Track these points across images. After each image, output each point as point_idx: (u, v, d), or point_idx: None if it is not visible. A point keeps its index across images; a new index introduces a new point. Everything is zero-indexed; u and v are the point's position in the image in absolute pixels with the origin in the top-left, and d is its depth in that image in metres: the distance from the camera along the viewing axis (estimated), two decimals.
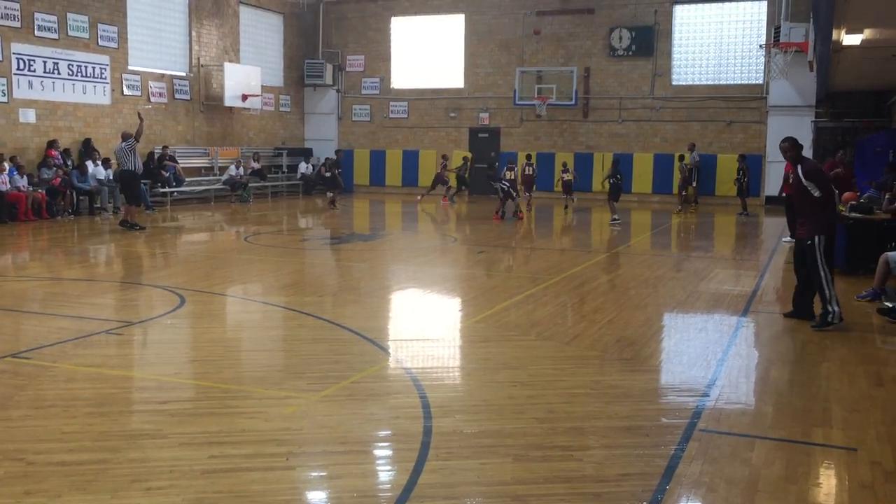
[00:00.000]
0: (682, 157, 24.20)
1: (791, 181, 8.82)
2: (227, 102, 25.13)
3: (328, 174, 23.43)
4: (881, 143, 19.79)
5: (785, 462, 4.84)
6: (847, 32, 12.77)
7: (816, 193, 8.41)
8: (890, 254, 9.35)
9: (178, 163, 22.92)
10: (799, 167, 8.54)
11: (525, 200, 23.38)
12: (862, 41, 13.28)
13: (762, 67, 25.37)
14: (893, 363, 7.26)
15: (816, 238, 8.42)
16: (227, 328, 8.73)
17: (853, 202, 12.87)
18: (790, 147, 8.71)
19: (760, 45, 25.03)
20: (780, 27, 23.61)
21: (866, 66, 16.99)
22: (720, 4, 26.10)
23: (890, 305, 9.00)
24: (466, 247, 16.11)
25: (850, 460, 4.90)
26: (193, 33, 24.76)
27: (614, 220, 19.74)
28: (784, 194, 16.14)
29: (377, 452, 5.09)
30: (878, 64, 16.43)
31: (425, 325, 8.78)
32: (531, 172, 23.57)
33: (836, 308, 8.35)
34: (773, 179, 24.07)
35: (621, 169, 20.57)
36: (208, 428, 5.22)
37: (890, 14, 11.34)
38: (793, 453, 5.01)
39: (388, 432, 5.35)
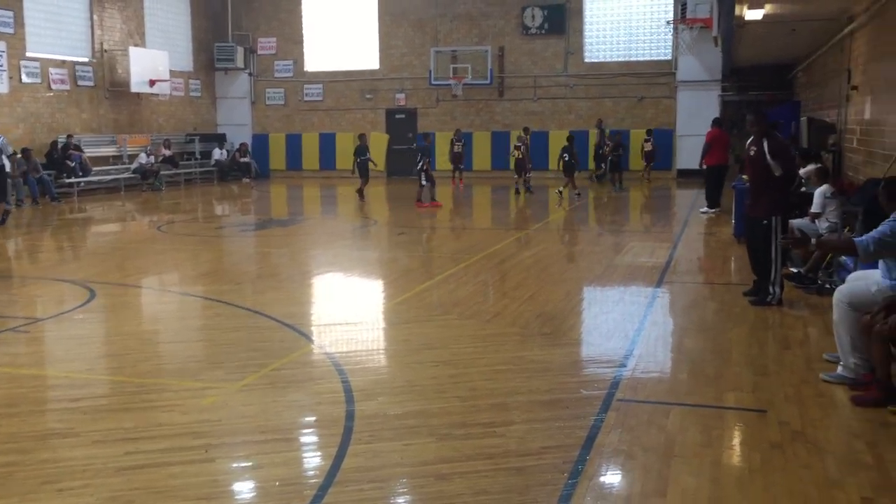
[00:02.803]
0: (601, 130, 24.85)
1: (752, 155, 8.37)
2: (134, 88, 24.27)
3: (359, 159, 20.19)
4: (784, 114, 20.49)
5: (700, 427, 4.99)
6: (749, 8, 13.12)
7: (778, 172, 8.13)
8: (794, 221, 9.70)
9: (83, 152, 22.09)
10: (765, 142, 8.16)
11: (457, 179, 23.56)
12: (763, 16, 13.67)
13: (671, 44, 25.95)
14: (799, 327, 7.55)
15: (773, 219, 8.20)
16: (141, 320, 8.49)
17: None
18: (757, 121, 8.34)
19: (668, 22, 25.63)
20: (686, 4, 24.24)
21: (768, 40, 17.53)
22: None
23: (795, 270, 9.35)
24: (387, 228, 16.06)
25: (760, 422, 5.09)
26: (95, 17, 23.82)
27: (576, 194, 20.34)
28: (705, 166, 16.58)
29: (299, 440, 5.03)
30: (780, 38, 16.97)
31: (346, 309, 8.71)
32: (459, 150, 23.64)
33: (777, 290, 8.24)
34: (685, 153, 24.73)
35: (574, 147, 20.95)
36: (123, 424, 5.07)
37: None
38: (707, 418, 5.17)
39: (310, 419, 5.30)
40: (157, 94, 25.70)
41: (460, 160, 23.80)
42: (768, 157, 8.11)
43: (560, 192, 20.55)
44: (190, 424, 5.05)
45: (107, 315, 8.45)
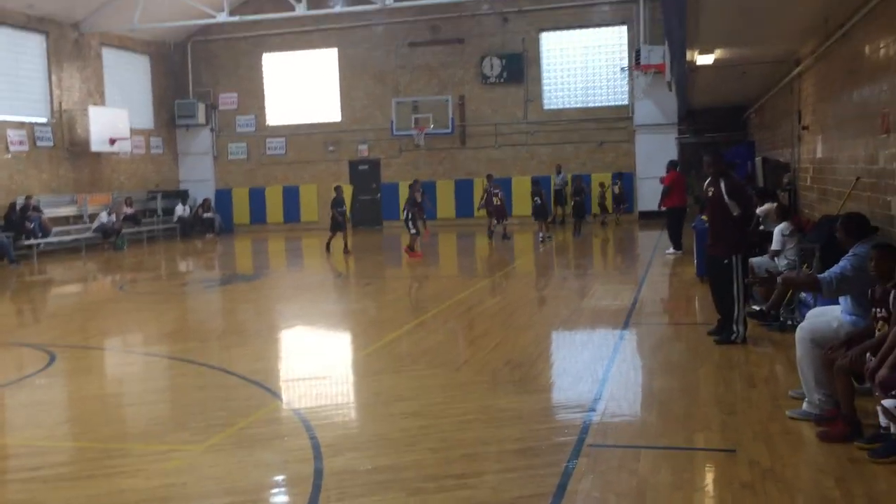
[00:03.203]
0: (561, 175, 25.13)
1: (711, 195, 8.47)
2: (94, 147, 24.14)
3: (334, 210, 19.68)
4: (740, 155, 20.94)
5: (670, 469, 4.99)
6: (700, 53, 13.49)
7: (736, 212, 8.22)
8: (754, 259, 9.85)
9: (42, 213, 21.80)
10: (722, 183, 8.26)
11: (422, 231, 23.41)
12: (714, 60, 14.05)
13: (627, 89, 26.49)
14: (764, 364, 7.62)
15: (733, 258, 8.25)
16: (103, 383, 8.32)
17: None
18: (713, 161, 8.41)
19: (622, 68, 26.22)
20: (640, 50, 24.84)
21: (721, 83, 17.99)
22: (583, 30, 27.10)
23: (757, 308, 9.46)
24: (353, 280, 16.01)
25: (730, 461, 5.10)
26: (54, 77, 23.77)
27: (546, 237, 20.77)
28: (664, 208, 16.86)
29: (267, 500, 4.94)
30: (732, 81, 17.43)
31: (314, 363, 8.62)
32: (421, 200, 23.60)
33: (741, 329, 8.27)
34: (645, 195, 25.09)
35: (542, 189, 21.42)
36: (85, 491, 4.94)
37: (736, 35, 12.06)
38: (677, 460, 5.17)
39: (278, 478, 5.21)
40: (118, 153, 25.57)
41: (423, 211, 23.71)
42: (726, 197, 8.23)
43: (544, 237, 20.80)
44: (154, 490, 4.94)
45: (68, 379, 8.28)
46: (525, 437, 5.70)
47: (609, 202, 25.31)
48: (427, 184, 27.30)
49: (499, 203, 21.54)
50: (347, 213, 20.37)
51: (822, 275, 6.07)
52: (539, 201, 20.86)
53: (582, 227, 22.59)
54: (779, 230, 9.73)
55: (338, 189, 20.34)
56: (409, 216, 18.24)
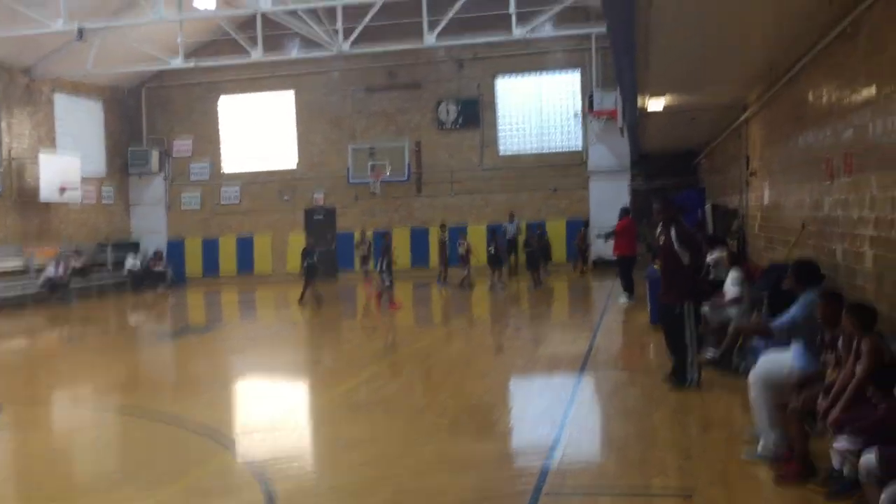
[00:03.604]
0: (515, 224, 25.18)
1: (662, 243, 8.58)
2: (44, 196, 23.52)
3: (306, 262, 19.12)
4: (690, 200, 21.31)
5: None
6: (650, 98, 13.77)
7: (686, 260, 8.26)
8: (706, 308, 9.97)
9: None
10: (672, 230, 8.34)
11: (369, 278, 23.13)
12: (664, 106, 14.35)
13: (581, 134, 26.88)
14: (719, 408, 7.66)
15: (685, 305, 8.27)
16: (49, 438, 8.03)
17: None
18: (663, 208, 8.53)
19: (576, 114, 26.65)
20: (593, 95, 25.29)
21: (671, 128, 18.37)
22: (538, 75, 27.55)
23: (711, 354, 9.53)
24: (307, 330, 15.83)
25: None
26: (3, 123, 23.32)
27: (499, 285, 20.87)
28: (617, 255, 16.98)
29: None
30: (681, 127, 17.80)
31: (267, 414, 8.45)
32: (366, 252, 23.39)
33: (694, 374, 8.27)
34: (600, 242, 25.19)
35: (497, 238, 21.72)
36: None
37: (685, 81, 12.35)
38: None
39: None
40: (68, 203, 24.99)
41: (367, 261, 23.23)
42: (676, 244, 8.32)
43: (494, 284, 20.83)
44: None
45: (13, 435, 8.00)
46: (483, 486, 5.63)
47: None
48: (382, 233, 27.30)
49: (464, 252, 21.55)
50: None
51: (773, 322, 6.18)
52: (493, 250, 20.96)
53: (540, 277, 21.61)
54: (731, 278, 9.83)
55: (309, 241, 20.29)
56: (384, 267, 17.55)
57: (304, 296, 18.78)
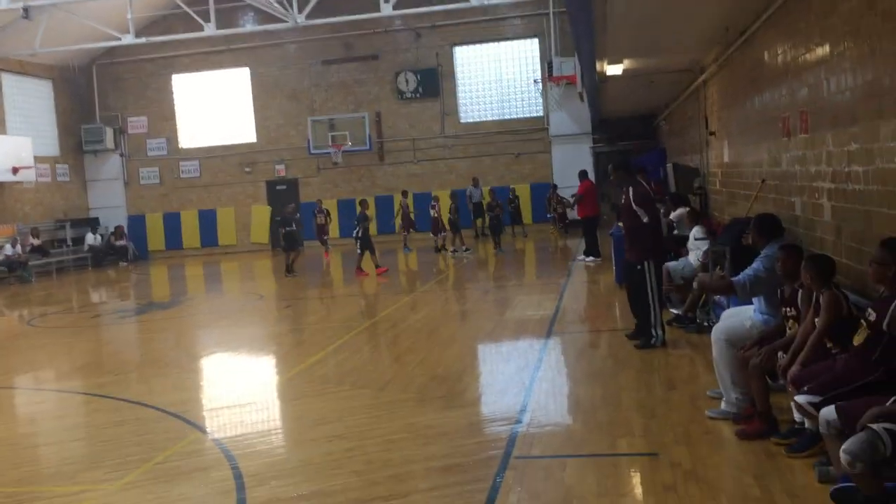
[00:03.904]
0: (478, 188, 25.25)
1: (623, 203, 8.79)
2: None
3: (285, 230, 19.25)
4: (652, 161, 21.45)
5: (595, 476, 5.02)
6: (609, 63, 13.77)
7: (645, 219, 8.43)
8: (669, 264, 10.07)
9: None
10: (630, 191, 8.53)
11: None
12: (623, 71, 14.36)
13: (541, 100, 26.89)
14: (683, 367, 7.77)
15: (646, 263, 8.44)
16: (12, 423, 7.91)
17: None
18: (621, 169, 8.78)
19: (535, 80, 26.62)
20: (552, 62, 25.25)
21: (630, 92, 18.41)
22: (496, 44, 27.45)
23: (675, 312, 9.66)
24: (273, 302, 15.74)
25: (652, 465, 5.16)
26: None
27: (463, 250, 21.07)
28: (580, 217, 17.25)
29: None
30: (640, 90, 17.85)
31: (235, 391, 8.41)
32: (323, 221, 23.03)
33: (659, 332, 8.42)
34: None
35: (458, 203, 21.96)
36: None
37: (642, 46, 12.36)
38: (602, 466, 5.21)
39: None
40: (22, 182, 24.58)
41: (325, 232, 23.02)
42: (633, 204, 8.46)
43: (457, 249, 20.87)
44: None
45: None
46: (452, 453, 5.66)
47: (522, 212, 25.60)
48: (347, 201, 27.22)
49: (435, 216, 21.77)
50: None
51: (735, 278, 6.24)
52: (452, 215, 21.25)
53: (501, 240, 21.92)
54: (693, 234, 9.98)
55: (284, 208, 19.93)
56: (359, 234, 17.66)
57: (292, 266, 18.68)
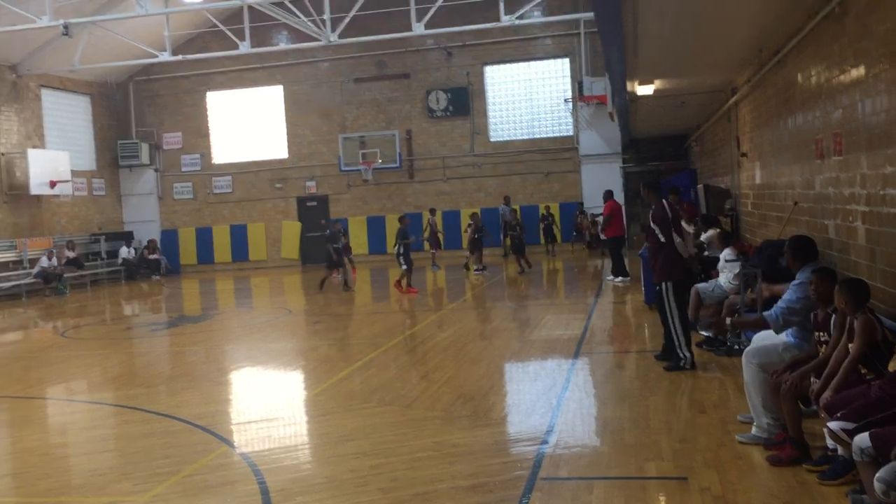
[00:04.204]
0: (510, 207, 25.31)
1: (647, 224, 8.92)
2: (34, 191, 23.58)
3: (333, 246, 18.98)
4: (683, 182, 21.34)
5: (623, 499, 4.97)
6: (640, 84, 13.75)
7: (662, 239, 8.46)
8: (700, 285, 9.99)
9: None
10: (651, 210, 8.66)
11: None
12: (654, 91, 14.34)
13: (571, 120, 26.87)
14: (713, 390, 7.68)
15: (664, 284, 8.44)
16: (42, 434, 8.01)
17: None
18: (644, 191, 8.84)
19: (566, 100, 26.62)
20: (582, 82, 25.26)
21: (661, 113, 18.36)
22: (527, 63, 27.50)
23: (704, 335, 9.57)
24: (303, 318, 15.82)
25: (681, 489, 5.10)
26: None
27: (481, 269, 21.04)
28: (606, 237, 17.23)
29: None
30: (672, 111, 17.80)
31: (263, 405, 8.46)
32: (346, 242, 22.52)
33: (686, 354, 8.33)
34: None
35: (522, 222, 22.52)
36: None
37: (674, 66, 12.34)
38: (629, 490, 5.16)
39: None
40: (59, 195, 25.03)
41: (348, 251, 21.75)
42: (651, 223, 8.54)
43: (478, 269, 20.88)
44: None
45: (6, 431, 7.99)
46: (478, 472, 5.64)
47: (557, 231, 25.71)
48: (376, 218, 27.38)
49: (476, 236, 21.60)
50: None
51: (767, 312, 6.16)
52: (478, 234, 21.24)
53: (524, 261, 20.99)
54: (723, 257, 9.89)
55: (332, 224, 19.91)
56: (401, 251, 17.55)
57: (346, 282, 18.77)
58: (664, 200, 8.75)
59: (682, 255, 8.56)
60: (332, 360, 10.77)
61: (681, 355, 8.38)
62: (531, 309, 14.70)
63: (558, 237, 25.91)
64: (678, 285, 8.51)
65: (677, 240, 8.43)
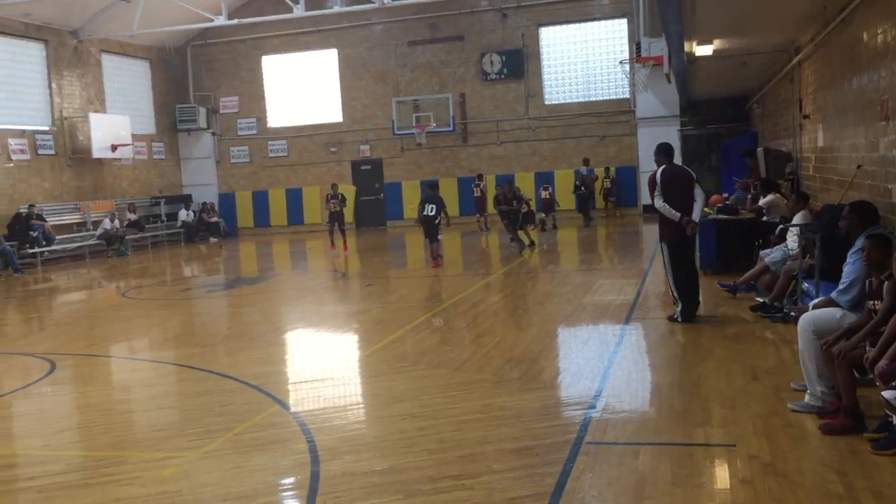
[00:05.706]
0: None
1: None
2: (96, 154, 24.15)
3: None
4: (744, 145, 20.83)
5: (669, 466, 4.93)
6: (698, 44, 13.38)
7: (657, 202, 9.12)
8: (762, 252, 9.80)
9: (46, 221, 21.85)
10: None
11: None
12: (714, 51, 13.94)
13: (628, 82, 26.34)
14: (767, 357, 7.55)
15: (661, 245, 9.32)
16: (103, 391, 8.27)
17: (719, 204, 13.47)
18: (656, 153, 9.56)
19: (621, 62, 26.07)
20: (640, 43, 24.65)
21: (721, 74, 17.87)
22: (583, 24, 27.00)
23: (761, 300, 9.39)
24: (356, 280, 15.98)
25: (729, 457, 5.04)
26: (54, 85, 23.80)
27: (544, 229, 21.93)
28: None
29: None
30: (733, 71, 17.31)
31: (314, 366, 8.60)
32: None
33: (676, 309, 9.14)
34: (647, 188, 25.01)
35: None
36: (79, 501, 4.92)
37: (734, 25, 11.95)
38: (676, 456, 5.12)
39: (274, 483, 5.17)
40: (120, 159, 25.59)
41: (338, 219, 20.54)
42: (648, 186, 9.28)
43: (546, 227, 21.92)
44: (149, 497, 4.91)
45: (68, 387, 8.27)
46: (524, 436, 5.65)
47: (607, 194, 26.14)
48: (430, 182, 27.32)
49: (547, 197, 22.74)
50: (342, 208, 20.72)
51: (833, 294, 5.92)
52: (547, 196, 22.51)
53: (516, 236, 18.47)
54: (795, 219, 9.57)
55: (333, 186, 20.83)
56: (439, 221, 16.21)
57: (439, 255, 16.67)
58: (664, 166, 9.25)
59: (670, 217, 9.01)
60: (383, 322, 10.86)
61: (675, 309, 9.14)
62: (584, 274, 14.58)
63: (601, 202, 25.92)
64: (672, 246, 9.13)
65: (658, 203, 9.07)
